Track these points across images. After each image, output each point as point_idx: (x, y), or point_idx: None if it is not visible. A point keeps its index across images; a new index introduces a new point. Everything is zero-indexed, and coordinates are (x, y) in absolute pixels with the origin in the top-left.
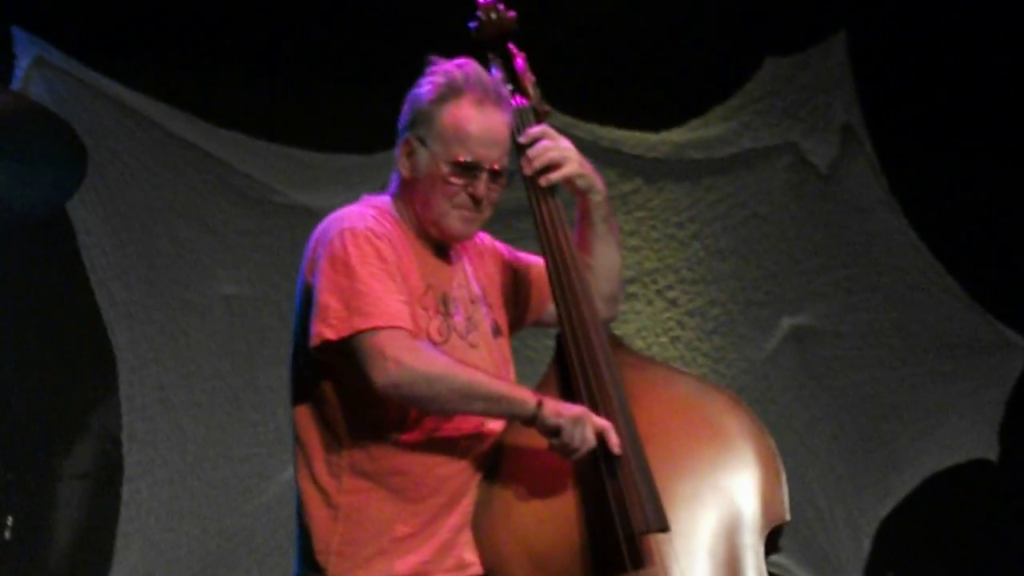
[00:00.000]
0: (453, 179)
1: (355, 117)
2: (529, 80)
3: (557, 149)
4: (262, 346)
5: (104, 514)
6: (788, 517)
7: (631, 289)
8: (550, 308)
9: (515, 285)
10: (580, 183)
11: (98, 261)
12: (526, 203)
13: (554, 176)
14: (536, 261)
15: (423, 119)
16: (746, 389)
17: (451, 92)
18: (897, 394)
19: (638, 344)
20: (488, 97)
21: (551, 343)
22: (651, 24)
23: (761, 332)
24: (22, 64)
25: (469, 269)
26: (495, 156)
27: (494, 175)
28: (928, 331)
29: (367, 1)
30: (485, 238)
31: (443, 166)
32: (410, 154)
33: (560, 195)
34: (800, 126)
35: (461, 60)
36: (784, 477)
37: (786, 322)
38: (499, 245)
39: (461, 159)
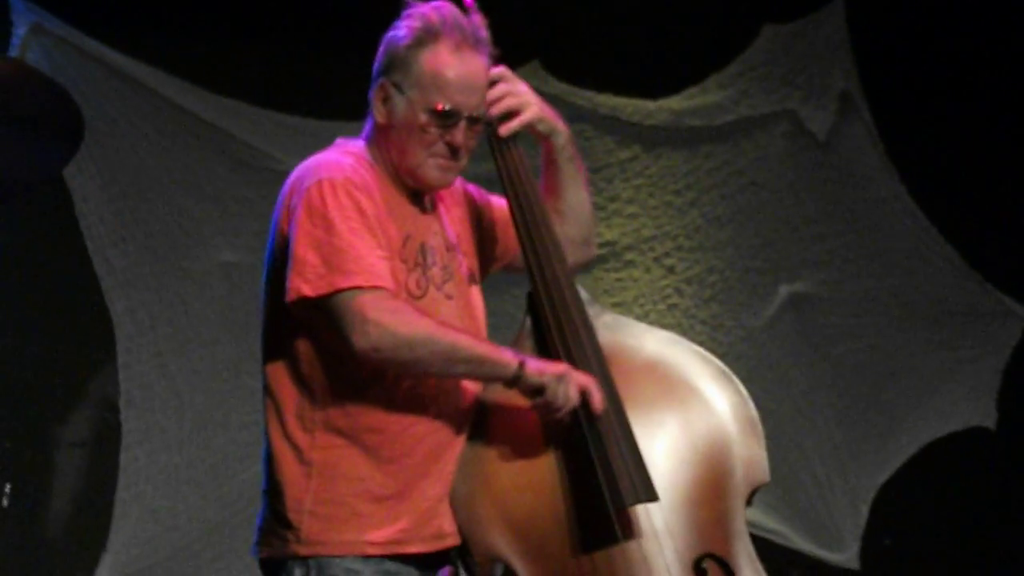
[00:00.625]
0: (431, 127)
1: (354, 84)
2: (479, 20)
3: (515, 95)
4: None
5: (102, 481)
6: (768, 478)
7: (628, 256)
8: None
9: (485, 228)
10: (541, 127)
11: (96, 229)
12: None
13: (514, 124)
14: (504, 204)
15: (399, 64)
16: (744, 356)
17: (428, 36)
18: (895, 361)
19: (635, 311)
20: (466, 41)
21: (520, 293)
22: None
23: (759, 299)
24: (19, 31)
25: (444, 215)
26: (473, 103)
27: (472, 121)
28: (926, 298)
29: None
30: (457, 182)
31: (420, 114)
32: (385, 100)
33: (522, 142)
34: (798, 93)
35: (438, 3)
36: (763, 437)
37: (784, 289)
38: (470, 187)
39: (439, 107)
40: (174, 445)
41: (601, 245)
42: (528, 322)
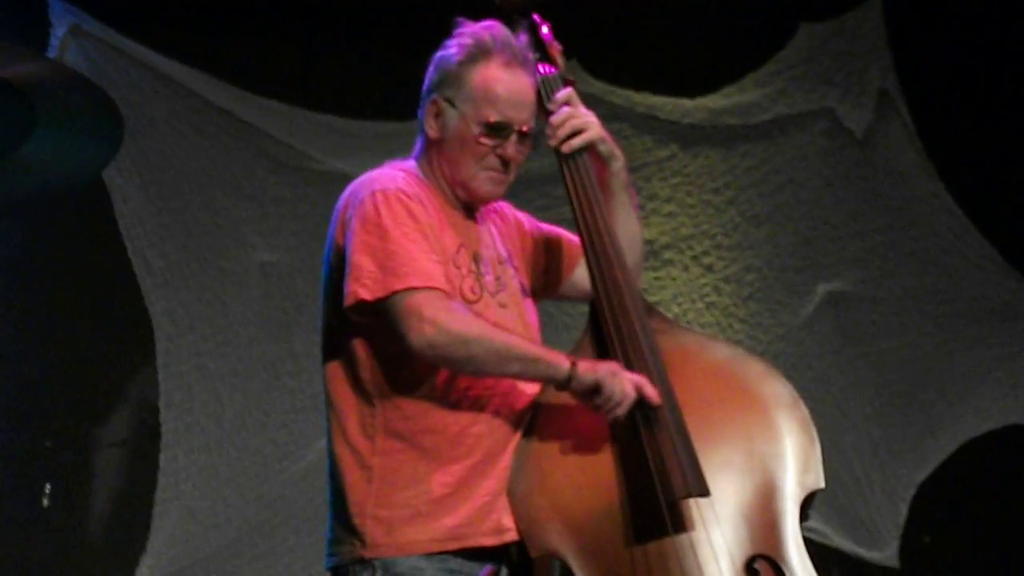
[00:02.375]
0: (483, 140)
1: (391, 83)
2: (556, 49)
3: (579, 116)
4: (298, 313)
5: (142, 481)
6: (823, 484)
7: (667, 255)
8: (573, 279)
9: (538, 255)
10: (602, 148)
11: (135, 229)
12: (558, 171)
13: (576, 142)
14: (558, 231)
15: (451, 80)
16: (782, 355)
17: (480, 53)
18: (933, 359)
19: (674, 310)
20: (516, 59)
21: (585, 309)
22: None
23: (797, 298)
24: (58, 32)
25: (495, 232)
26: (524, 117)
27: (522, 136)
28: (964, 296)
29: None
30: (507, 208)
31: (473, 127)
32: (437, 115)
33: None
34: (835, 91)
35: (488, 22)
36: (818, 444)
37: (822, 288)
38: (520, 216)
39: (492, 120)
40: (213, 445)
41: None
42: (590, 328)
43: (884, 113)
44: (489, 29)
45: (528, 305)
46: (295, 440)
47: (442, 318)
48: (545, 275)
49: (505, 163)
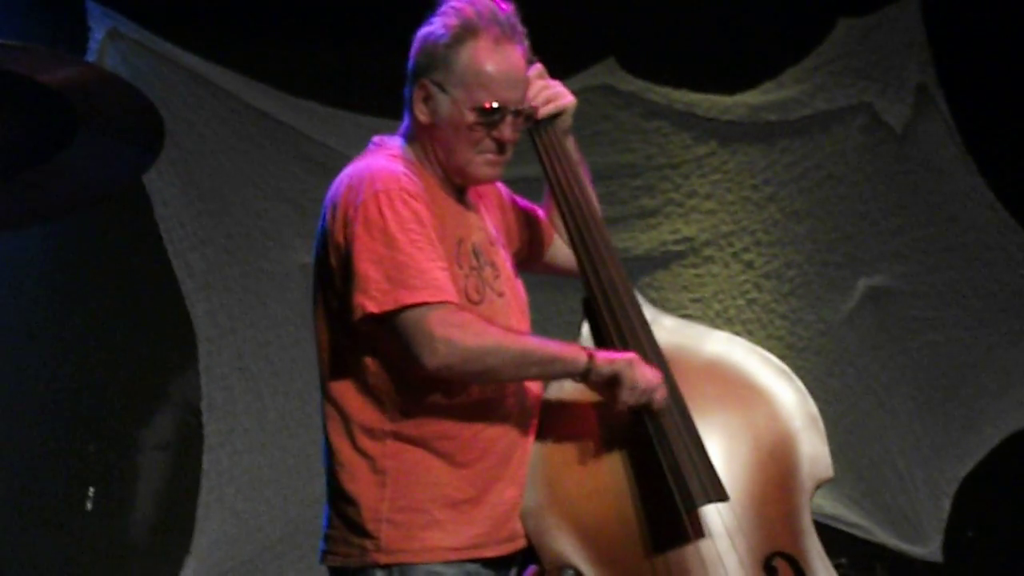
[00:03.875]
0: (478, 125)
1: None
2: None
3: (551, 87)
4: None
5: (185, 484)
6: (832, 473)
7: (707, 252)
8: (550, 255)
9: (521, 229)
10: (568, 119)
11: (175, 232)
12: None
13: (551, 107)
14: (532, 206)
15: (440, 63)
16: (823, 351)
17: (467, 32)
18: (975, 354)
19: (714, 307)
20: (505, 34)
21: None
22: None
23: (838, 293)
24: (96, 36)
25: (484, 211)
26: (518, 96)
27: (516, 115)
28: (1005, 290)
29: None
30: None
31: (467, 113)
32: (427, 99)
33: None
34: (874, 86)
35: None
36: (824, 433)
37: (863, 283)
38: (500, 187)
39: (487, 105)
40: (256, 447)
41: (679, 241)
42: (585, 327)
43: (923, 108)
44: (473, 4)
45: (518, 285)
46: None
47: (456, 336)
48: (527, 248)
49: (501, 145)
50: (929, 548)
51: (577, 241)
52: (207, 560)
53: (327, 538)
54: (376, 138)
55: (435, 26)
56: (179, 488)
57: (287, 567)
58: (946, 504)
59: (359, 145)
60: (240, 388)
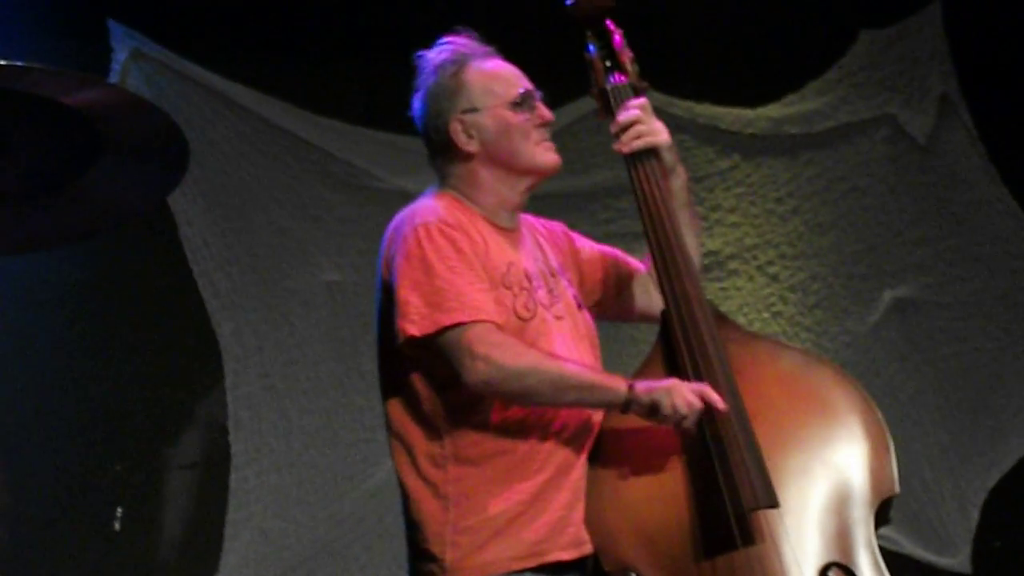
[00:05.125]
0: (521, 116)
1: None
2: (627, 56)
3: (648, 122)
4: (365, 332)
5: (212, 503)
6: (898, 490)
7: (732, 266)
8: (624, 298)
9: (593, 272)
10: (667, 156)
11: (200, 252)
12: (622, 181)
13: (639, 143)
14: (611, 250)
15: (457, 93)
16: (849, 363)
17: (460, 58)
18: (1001, 364)
19: (740, 320)
20: (486, 52)
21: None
22: (746, 0)
23: (863, 305)
24: (119, 57)
25: (545, 245)
26: (531, 84)
27: (541, 97)
28: None
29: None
30: (557, 225)
31: (506, 111)
32: (466, 131)
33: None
34: (897, 98)
35: (440, 41)
36: (893, 449)
37: (888, 294)
38: (572, 233)
39: (516, 93)
40: (283, 465)
41: (704, 255)
42: (660, 339)
43: (946, 118)
44: (449, 42)
45: (584, 316)
46: (365, 458)
47: (495, 354)
48: (600, 293)
49: (547, 125)
50: (957, 559)
51: (656, 255)
52: None
53: (409, 572)
54: (429, 189)
55: (430, 75)
56: (206, 507)
57: None
58: (974, 514)
59: (381, 162)
60: (266, 406)
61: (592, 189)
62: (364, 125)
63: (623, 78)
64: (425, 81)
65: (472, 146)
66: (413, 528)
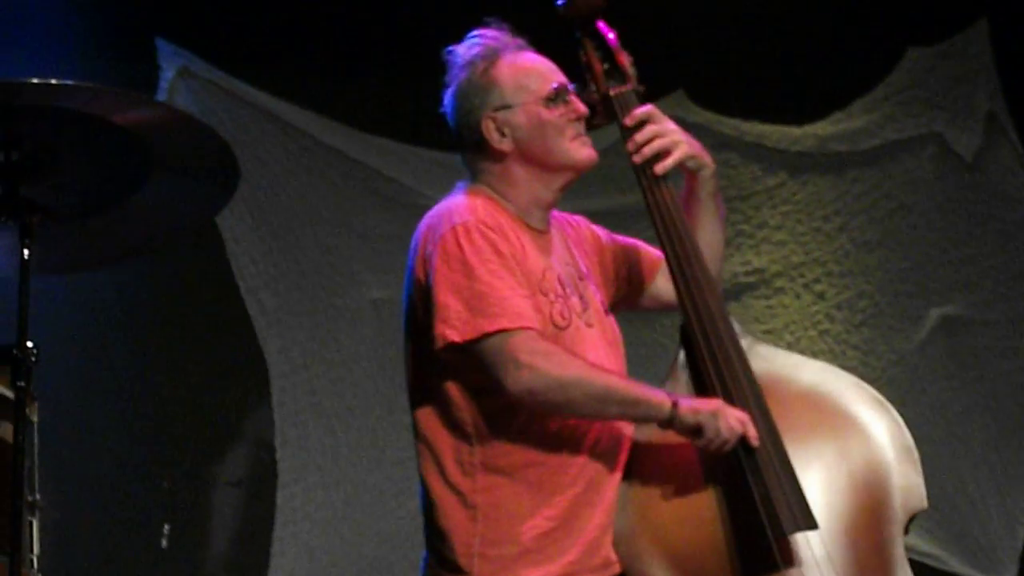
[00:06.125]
0: (555, 112)
1: None
2: (625, 58)
3: (665, 134)
4: None
5: (259, 520)
6: (925, 504)
7: (778, 283)
8: (652, 290)
9: (618, 267)
10: (691, 164)
11: (247, 269)
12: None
13: (668, 162)
14: (634, 242)
15: (488, 90)
16: (896, 381)
17: (491, 53)
18: None
19: (786, 338)
20: (518, 45)
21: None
22: (793, 18)
23: (910, 323)
24: (167, 75)
25: (572, 246)
26: (564, 78)
27: (575, 92)
28: None
29: (508, 3)
30: (582, 221)
31: (540, 108)
32: (499, 128)
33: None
34: (944, 116)
35: (472, 34)
36: (919, 463)
37: (935, 312)
38: (596, 228)
39: (550, 88)
40: (330, 483)
41: (750, 272)
42: (681, 355)
43: (993, 136)
44: (479, 36)
45: (610, 322)
46: (411, 476)
47: (539, 362)
48: (627, 285)
49: (581, 119)
50: None
51: (676, 271)
52: None
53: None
54: (459, 183)
55: (462, 70)
56: (253, 525)
57: None
58: (1021, 533)
59: (429, 180)
60: (313, 424)
61: (623, 209)
62: (411, 143)
63: (627, 84)
64: (456, 77)
65: (505, 144)
66: (438, 536)
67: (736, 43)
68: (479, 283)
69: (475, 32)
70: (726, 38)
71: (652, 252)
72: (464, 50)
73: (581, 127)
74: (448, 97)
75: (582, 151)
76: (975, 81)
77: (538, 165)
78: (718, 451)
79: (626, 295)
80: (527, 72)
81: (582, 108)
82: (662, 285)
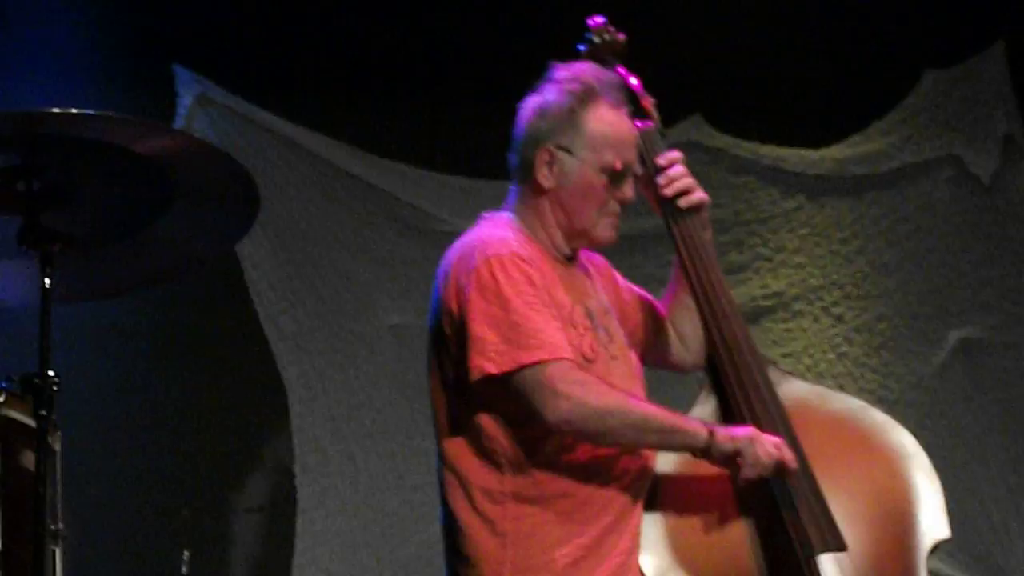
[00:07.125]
0: (607, 186)
1: None
2: (649, 101)
3: (689, 176)
4: None
5: (279, 546)
6: (948, 534)
7: (797, 307)
8: (657, 343)
9: (633, 313)
10: (705, 215)
11: (266, 295)
12: (662, 227)
13: (694, 198)
14: (644, 293)
15: (565, 127)
16: (914, 404)
17: (588, 96)
18: None
19: (805, 361)
20: (620, 99)
21: None
22: (810, 41)
23: (929, 346)
24: (185, 102)
25: (596, 280)
26: (635, 158)
27: (634, 177)
28: None
29: (526, 30)
30: (600, 260)
31: (597, 175)
32: (551, 164)
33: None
34: (961, 138)
35: (584, 64)
36: (942, 493)
37: (953, 335)
38: (613, 271)
39: (617, 166)
40: (349, 508)
41: (769, 296)
42: (708, 383)
43: (1010, 158)
44: (589, 70)
45: (633, 356)
46: (431, 501)
47: (577, 392)
48: (641, 332)
49: (622, 206)
50: None
51: (702, 301)
52: None
53: None
54: (485, 213)
55: (553, 93)
56: (273, 551)
57: None
58: None
59: (447, 206)
60: (332, 450)
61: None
62: (429, 168)
63: (649, 123)
64: (545, 94)
65: (547, 181)
66: (465, 564)
67: (754, 67)
68: (515, 315)
69: (586, 65)
70: (744, 62)
71: (660, 309)
72: (570, 76)
73: (618, 211)
74: (528, 107)
75: (606, 232)
76: (992, 103)
77: (565, 217)
78: (755, 477)
79: (638, 343)
80: (607, 136)
81: (630, 195)
82: (671, 344)
